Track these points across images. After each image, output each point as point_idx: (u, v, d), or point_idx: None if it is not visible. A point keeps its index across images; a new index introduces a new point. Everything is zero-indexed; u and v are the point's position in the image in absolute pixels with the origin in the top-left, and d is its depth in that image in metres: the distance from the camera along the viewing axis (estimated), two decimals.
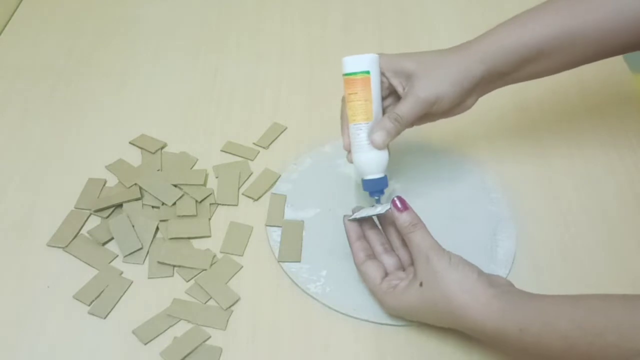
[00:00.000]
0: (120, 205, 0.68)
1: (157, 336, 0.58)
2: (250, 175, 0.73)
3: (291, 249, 0.65)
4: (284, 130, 0.77)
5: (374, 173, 0.62)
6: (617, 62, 0.85)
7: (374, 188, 0.62)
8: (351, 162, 0.64)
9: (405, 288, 0.56)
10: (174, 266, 0.63)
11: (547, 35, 0.61)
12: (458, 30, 0.91)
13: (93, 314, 0.60)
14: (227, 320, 0.60)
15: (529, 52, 0.61)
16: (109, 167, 0.73)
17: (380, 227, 0.63)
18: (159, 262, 0.63)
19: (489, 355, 0.57)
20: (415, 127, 0.77)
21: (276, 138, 0.77)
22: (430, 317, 0.56)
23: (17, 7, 0.97)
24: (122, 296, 0.61)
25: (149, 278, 0.63)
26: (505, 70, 0.62)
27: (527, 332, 0.49)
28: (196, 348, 0.57)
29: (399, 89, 0.63)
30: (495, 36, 0.62)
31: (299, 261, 0.64)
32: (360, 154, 0.62)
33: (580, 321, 0.48)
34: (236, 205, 0.70)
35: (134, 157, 0.74)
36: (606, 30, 0.60)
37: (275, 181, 0.71)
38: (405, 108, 0.61)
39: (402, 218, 0.58)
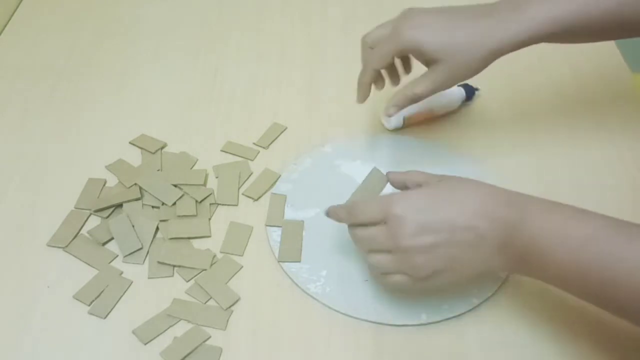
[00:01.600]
0: (120, 205, 0.68)
1: (157, 336, 0.58)
2: (250, 175, 0.73)
3: (291, 249, 0.65)
4: (284, 130, 0.77)
5: None
6: (617, 62, 0.85)
7: None
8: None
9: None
10: (174, 266, 0.63)
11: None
12: None
13: (93, 314, 0.60)
14: (227, 320, 0.60)
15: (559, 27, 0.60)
16: (109, 167, 0.73)
17: None
18: (159, 262, 0.63)
19: (489, 355, 0.57)
20: (413, 128, 0.77)
21: (276, 138, 0.77)
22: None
23: (17, 7, 0.97)
24: (122, 296, 0.61)
25: (149, 278, 0.63)
26: (537, 41, 0.61)
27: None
28: (196, 348, 0.57)
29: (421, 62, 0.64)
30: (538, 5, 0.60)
31: (299, 261, 0.64)
32: None
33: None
34: (236, 205, 0.70)
35: (134, 157, 0.74)
36: None
37: (275, 181, 0.71)
38: (421, 88, 0.62)
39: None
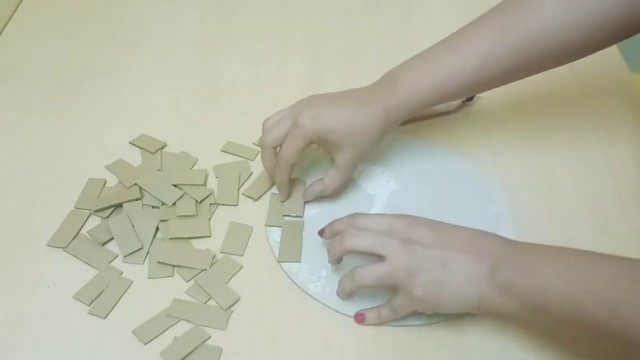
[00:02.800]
0: (120, 205, 0.68)
1: (157, 336, 0.58)
2: (250, 175, 0.73)
3: (291, 249, 0.65)
4: None
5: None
6: (617, 62, 0.85)
7: None
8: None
9: None
10: (174, 266, 0.63)
11: (472, 65, 0.63)
12: None
13: (93, 314, 0.60)
14: (227, 320, 0.60)
15: (450, 88, 0.64)
16: (109, 167, 0.73)
17: None
18: (159, 262, 0.63)
19: (489, 355, 0.57)
20: (414, 128, 0.77)
21: None
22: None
23: (17, 7, 0.97)
24: (122, 296, 0.61)
25: (149, 278, 0.63)
26: (427, 106, 0.66)
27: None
28: (196, 348, 0.57)
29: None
30: (413, 78, 0.64)
31: (299, 261, 0.64)
32: None
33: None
34: (236, 205, 0.70)
35: (134, 157, 0.74)
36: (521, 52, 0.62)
37: None
38: (329, 180, 0.67)
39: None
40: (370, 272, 0.57)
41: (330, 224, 0.62)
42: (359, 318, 0.59)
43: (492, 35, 0.62)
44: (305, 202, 0.69)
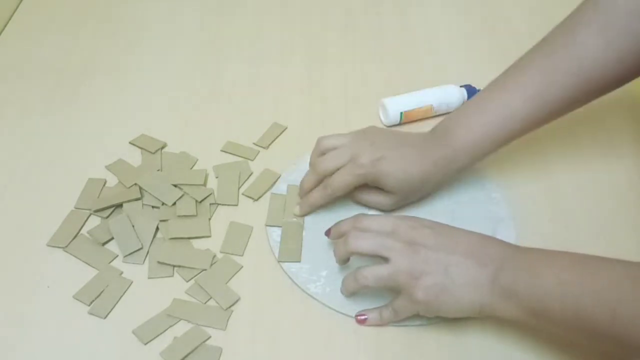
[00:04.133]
0: (120, 205, 0.68)
1: (157, 336, 0.58)
2: (250, 175, 0.73)
3: (291, 249, 0.65)
4: (284, 130, 0.77)
5: None
6: None
7: None
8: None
9: None
10: (174, 266, 0.63)
11: (524, 109, 0.64)
12: (458, 31, 0.91)
13: (93, 314, 0.60)
14: (227, 320, 0.59)
15: (507, 133, 0.65)
16: (109, 167, 0.73)
17: None
18: (159, 262, 0.63)
19: (489, 355, 0.57)
20: (414, 128, 0.77)
21: (276, 138, 0.77)
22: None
23: (17, 7, 0.97)
24: (122, 296, 0.61)
25: (149, 278, 0.63)
26: (482, 156, 0.66)
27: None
28: (196, 348, 0.57)
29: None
30: (465, 129, 0.64)
31: (299, 261, 0.64)
32: None
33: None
34: (236, 205, 0.70)
35: (134, 157, 0.74)
36: (571, 85, 0.63)
37: (275, 181, 0.71)
38: (374, 201, 0.67)
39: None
40: (373, 273, 0.57)
41: (336, 224, 0.62)
42: (361, 319, 0.59)
43: (540, 80, 0.63)
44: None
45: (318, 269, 0.63)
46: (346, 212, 0.65)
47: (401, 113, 0.76)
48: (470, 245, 0.56)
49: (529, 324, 0.53)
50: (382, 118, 0.78)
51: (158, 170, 0.72)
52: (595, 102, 0.80)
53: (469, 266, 0.55)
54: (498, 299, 0.53)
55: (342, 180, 0.64)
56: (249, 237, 0.66)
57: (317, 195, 0.66)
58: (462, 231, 0.58)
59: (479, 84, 0.78)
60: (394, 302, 0.58)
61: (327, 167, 0.65)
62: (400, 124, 0.77)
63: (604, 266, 0.50)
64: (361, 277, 0.57)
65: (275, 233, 0.66)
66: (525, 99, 0.63)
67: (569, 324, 0.50)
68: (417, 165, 0.64)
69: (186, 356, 0.57)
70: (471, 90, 0.78)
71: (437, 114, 0.78)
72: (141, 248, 0.65)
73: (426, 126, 0.77)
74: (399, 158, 0.64)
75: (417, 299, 0.55)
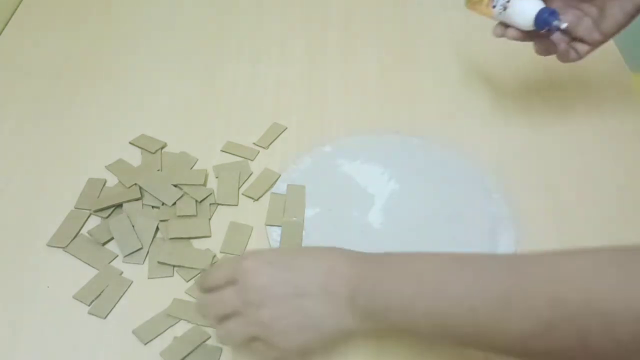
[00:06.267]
0: (120, 205, 0.68)
1: (157, 336, 0.58)
2: (250, 175, 0.73)
3: None
4: (284, 130, 0.77)
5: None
6: (617, 62, 0.85)
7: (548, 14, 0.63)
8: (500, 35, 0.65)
9: None
10: (174, 266, 0.63)
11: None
12: (458, 31, 0.91)
13: (93, 314, 0.60)
14: None
15: None
16: (109, 167, 0.73)
17: None
18: (159, 262, 0.63)
19: (488, 355, 0.57)
20: (413, 128, 0.77)
21: (276, 138, 0.77)
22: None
23: (17, 7, 0.97)
24: (122, 296, 0.61)
25: (148, 278, 0.63)
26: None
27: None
28: (196, 348, 0.57)
29: None
30: None
31: None
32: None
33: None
34: (236, 205, 0.69)
35: (134, 157, 0.74)
36: None
37: (275, 181, 0.71)
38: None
39: None
40: (234, 331, 0.52)
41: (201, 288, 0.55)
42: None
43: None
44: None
45: None
46: (346, 212, 0.65)
47: None
48: (317, 270, 0.51)
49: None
50: None
51: (158, 170, 0.72)
52: (595, 102, 0.80)
53: (321, 300, 0.49)
54: (361, 321, 0.49)
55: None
56: (249, 237, 0.66)
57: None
58: (303, 255, 0.53)
59: (479, 85, 0.78)
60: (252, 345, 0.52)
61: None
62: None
63: (465, 268, 0.47)
64: (223, 340, 0.54)
65: (275, 233, 0.66)
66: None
67: (440, 337, 0.48)
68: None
69: (186, 356, 0.57)
70: (545, 19, 0.64)
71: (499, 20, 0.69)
72: (141, 248, 0.65)
73: (426, 126, 0.77)
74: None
75: (281, 349, 0.51)
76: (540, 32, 0.65)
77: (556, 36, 0.65)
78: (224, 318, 0.52)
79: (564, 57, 0.67)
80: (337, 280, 0.50)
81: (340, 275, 0.50)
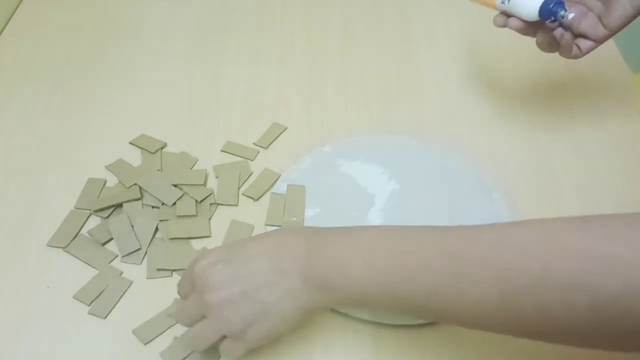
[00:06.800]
0: (120, 205, 0.68)
1: (157, 336, 0.58)
2: (250, 175, 0.73)
3: None
4: (284, 130, 0.77)
5: None
6: (617, 62, 0.85)
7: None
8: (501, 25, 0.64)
9: None
10: (173, 270, 0.63)
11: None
12: (458, 31, 0.91)
13: (93, 314, 0.60)
14: None
15: None
16: (109, 167, 0.73)
17: None
18: (158, 270, 0.63)
19: (489, 355, 0.57)
20: (413, 128, 0.77)
21: (276, 138, 0.77)
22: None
23: (17, 7, 0.97)
24: (122, 296, 0.61)
25: (147, 278, 0.63)
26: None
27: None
28: None
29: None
30: None
31: None
32: None
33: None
34: (236, 205, 0.70)
35: (134, 157, 0.74)
36: None
37: (275, 181, 0.71)
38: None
39: None
40: (202, 333, 0.52)
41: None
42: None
43: None
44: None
45: None
46: (346, 212, 0.65)
47: None
48: (269, 260, 0.51)
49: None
50: None
51: (158, 170, 0.72)
52: (595, 102, 0.80)
53: (275, 283, 0.50)
54: (317, 293, 0.49)
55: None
56: (250, 236, 0.66)
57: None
58: (256, 244, 0.52)
59: (479, 84, 0.78)
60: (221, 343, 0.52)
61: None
62: None
63: (413, 237, 0.47)
64: (192, 343, 0.54)
65: None
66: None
67: (390, 306, 0.48)
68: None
69: (186, 356, 0.57)
70: (550, 9, 0.62)
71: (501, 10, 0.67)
72: (139, 248, 0.65)
73: (426, 126, 0.77)
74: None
75: (247, 342, 0.52)
76: (545, 23, 0.64)
77: (559, 32, 0.65)
78: (193, 323, 0.53)
79: (566, 52, 0.66)
80: (287, 256, 0.50)
81: (290, 251, 0.51)
